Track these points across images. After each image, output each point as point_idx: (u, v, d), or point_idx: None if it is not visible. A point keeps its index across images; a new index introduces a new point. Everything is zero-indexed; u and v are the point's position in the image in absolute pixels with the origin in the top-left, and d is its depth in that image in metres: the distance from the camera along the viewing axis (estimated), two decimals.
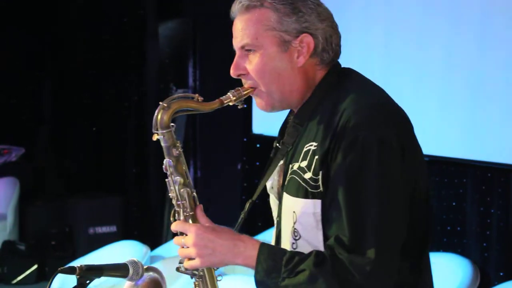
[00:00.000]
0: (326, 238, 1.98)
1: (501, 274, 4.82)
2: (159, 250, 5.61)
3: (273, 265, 1.94)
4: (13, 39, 8.12)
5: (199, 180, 7.06)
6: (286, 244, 2.08)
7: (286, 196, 2.05)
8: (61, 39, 8.10)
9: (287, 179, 2.05)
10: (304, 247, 2.00)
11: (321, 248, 1.97)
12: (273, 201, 2.18)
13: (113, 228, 7.37)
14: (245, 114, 5.90)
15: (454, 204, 5.06)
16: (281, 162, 2.13)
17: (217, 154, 6.74)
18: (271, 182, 2.16)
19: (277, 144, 2.16)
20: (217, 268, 2.07)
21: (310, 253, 1.94)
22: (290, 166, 2.05)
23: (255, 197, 2.16)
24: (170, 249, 5.25)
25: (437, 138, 4.98)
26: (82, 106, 8.03)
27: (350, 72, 2.14)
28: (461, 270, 4.60)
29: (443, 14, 4.89)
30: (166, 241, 6.35)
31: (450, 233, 5.08)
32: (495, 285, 4.68)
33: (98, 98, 7.92)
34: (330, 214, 1.95)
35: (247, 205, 2.16)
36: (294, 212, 2.01)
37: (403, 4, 5.13)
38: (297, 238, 2.01)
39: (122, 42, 7.62)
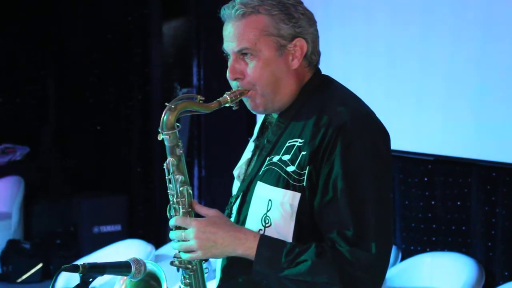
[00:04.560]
0: (318, 232, 2.04)
1: (506, 273, 4.82)
2: (163, 249, 5.62)
3: (273, 255, 2.01)
4: (16, 39, 8.14)
5: (203, 179, 7.07)
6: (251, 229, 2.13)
7: (261, 185, 2.11)
8: (65, 38, 8.12)
9: (264, 169, 2.13)
10: (272, 235, 2.06)
11: (289, 238, 2.05)
12: (236, 188, 2.26)
13: (117, 227, 7.39)
14: (249, 114, 5.91)
15: (458, 203, 5.06)
16: (250, 154, 2.25)
17: (221, 153, 6.74)
18: (239, 171, 2.26)
19: (257, 142, 2.26)
20: (207, 261, 2.14)
21: (310, 244, 2.00)
22: (268, 158, 2.13)
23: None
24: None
25: (441, 137, 4.98)
26: (86, 105, 8.04)
27: (330, 77, 2.23)
28: (466, 269, 4.60)
29: (448, 10, 4.89)
30: (171, 240, 6.34)
31: (455, 233, 5.08)
32: (499, 284, 4.69)
33: (102, 97, 7.93)
34: (330, 211, 2.02)
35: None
36: (270, 200, 2.08)
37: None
38: (267, 225, 2.08)
39: (126, 42, 7.63)
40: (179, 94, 6.99)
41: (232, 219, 2.18)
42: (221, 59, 2.22)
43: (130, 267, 2.06)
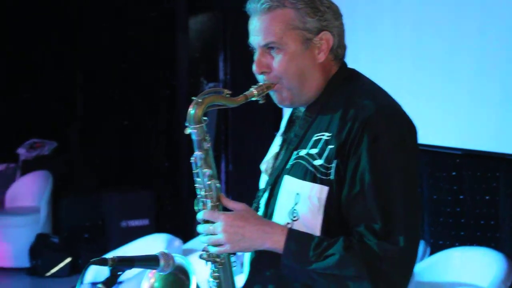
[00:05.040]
0: (345, 225, 2.04)
1: None
2: (191, 243, 5.63)
3: (301, 249, 2.01)
4: (45, 36, 8.20)
5: (230, 174, 7.08)
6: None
7: (288, 178, 2.12)
8: (92, 35, 8.15)
9: (291, 163, 2.13)
10: (300, 229, 2.06)
11: (316, 232, 2.04)
12: (263, 182, 2.27)
13: (145, 222, 7.41)
14: (276, 108, 5.90)
15: (487, 198, 5.02)
16: (278, 148, 2.25)
17: (248, 148, 6.74)
18: (266, 166, 2.27)
19: (285, 136, 2.26)
20: (234, 254, 2.15)
21: (338, 238, 2.00)
22: (295, 152, 2.13)
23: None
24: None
25: (470, 131, 4.95)
26: (113, 100, 8.08)
27: (356, 71, 2.23)
28: (495, 264, 4.57)
29: (473, 7, 4.86)
30: (198, 234, 6.35)
31: (483, 227, 5.04)
32: None
33: (129, 92, 7.97)
34: (357, 204, 2.02)
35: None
36: (297, 194, 2.08)
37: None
38: (294, 219, 2.08)
39: (152, 37, 7.66)
40: (205, 89, 6.99)
41: (260, 212, 2.19)
42: (247, 53, 2.22)
43: (159, 261, 2.06)
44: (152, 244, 5.07)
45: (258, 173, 2.33)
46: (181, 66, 7.51)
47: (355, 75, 2.20)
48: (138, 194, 7.57)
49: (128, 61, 7.91)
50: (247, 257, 2.21)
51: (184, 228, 7.13)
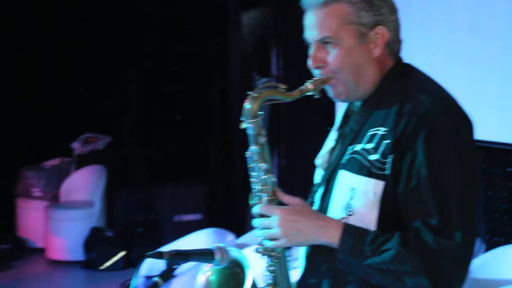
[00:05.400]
0: (401, 220, 2.03)
1: None
2: (244, 238, 5.64)
3: (356, 244, 2.01)
4: (98, 31, 8.28)
5: (283, 169, 7.07)
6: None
7: (344, 173, 2.12)
8: (145, 30, 8.21)
9: (347, 158, 2.13)
10: (355, 224, 2.06)
11: (372, 227, 2.04)
12: (318, 176, 2.27)
13: (198, 216, 7.44)
14: (329, 103, 5.88)
15: None
16: (333, 143, 2.25)
17: (301, 143, 6.73)
18: (322, 160, 2.27)
19: (340, 131, 2.26)
20: (289, 249, 2.16)
21: (394, 233, 2.00)
22: (351, 147, 2.13)
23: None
24: (255, 237, 5.27)
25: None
26: (166, 95, 8.13)
27: (412, 65, 2.21)
28: None
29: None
30: (251, 229, 6.37)
31: None
32: None
33: (182, 87, 8.01)
34: (413, 199, 2.01)
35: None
36: (353, 188, 2.08)
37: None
38: (350, 213, 2.08)
39: (205, 32, 7.69)
40: (258, 84, 7.00)
41: (315, 207, 2.19)
42: (300, 48, 2.22)
43: (214, 255, 2.08)
44: (205, 238, 5.08)
45: (310, 168, 2.33)
46: (234, 61, 7.52)
47: (410, 69, 2.19)
48: (191, 189, 7.60)
49: (181, 56, 7.95)
50: (302, 251, 2.22)
51: (237, 222, 7.15)
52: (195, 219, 7.39)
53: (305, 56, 2.16)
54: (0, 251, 7.41)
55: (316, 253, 2.15)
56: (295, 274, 2.21)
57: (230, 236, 5.05)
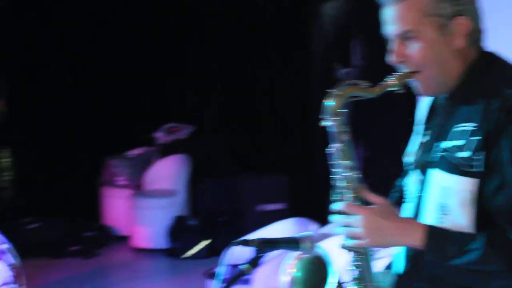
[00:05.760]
0: (489, 219, 1.98)
1: None
2: (327, 228, 5.61)
3: (442, 245, 1.98)
4: (184, 23, 8.37)
5: (365, 161, 7.02)
6: (428, 220, 2.09)
7: (436, 172, 2.07)
8: (225, 19, 8.25)
9: (437, 156, 2.08)
10: (451, 224, 2.02)
11: (466, 226, 1.99)
12: (414, 178, 2.21)
13: (281, 206, 7.42)
14: (409, 97, 5.79)
15: None
16: (420, 140, 2.20)
17: (382, 138, 6.67)
18: (410, 159, 2.23)
19: (427, 126, 2.22)
20: None
21: (479, 233, 1.96)
22: (440, 144, 2.08)
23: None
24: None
25: None
26: (248, 86, 8.16)
27: (495, 55, 2.14)
28: None
29: None
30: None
31: None
32: None
33: (264, 78, 8.03)
34: (501, 197, 1.97)
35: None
36: (446, 187, 2.03)
37: None
38: (445, 213, 2.03)
39: (286, 23, 7.68)
40: (339, 75, 6.97)
41: (410, 207, 2.17)
42: (381, 39, 2.20)
43: (301, 243, 2.09)
44: (289, 228, 5.08)
45: (391, 163, 2.30)
46: (315, 52, 7.50)
47: (494, 60, 2.13)
48: (274, 179, 7.60)
49: (262, 47, 7.97)
50: (402, 252, 2.19)
51: (320, 212, 7.13)
52: (278, 208, 7.37)
53: (386, 47, 2.15)
54: (85, 239, 7.54)
55: (420, 256, 2.08)
56: (376, 265, 2.20)
57: (313, 226, 5.03)
